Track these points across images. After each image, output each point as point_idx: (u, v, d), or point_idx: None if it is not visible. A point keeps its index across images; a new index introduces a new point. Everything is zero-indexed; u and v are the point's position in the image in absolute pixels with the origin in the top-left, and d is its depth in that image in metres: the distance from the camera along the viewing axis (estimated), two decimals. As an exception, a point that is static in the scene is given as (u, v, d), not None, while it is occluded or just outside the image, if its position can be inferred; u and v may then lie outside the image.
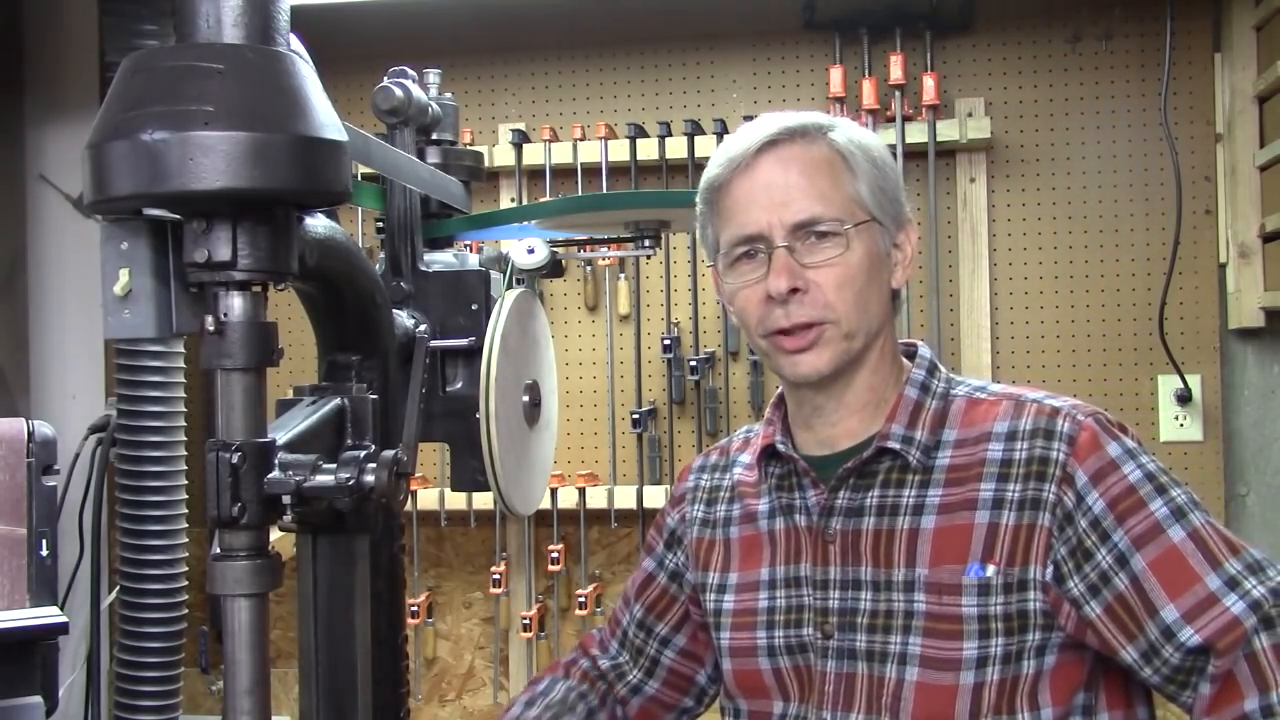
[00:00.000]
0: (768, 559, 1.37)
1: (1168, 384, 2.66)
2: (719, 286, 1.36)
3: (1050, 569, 1.22)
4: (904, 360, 1.38)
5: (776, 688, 1.33)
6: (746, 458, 1.44)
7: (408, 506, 2.78)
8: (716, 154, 1.34)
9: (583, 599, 2.81)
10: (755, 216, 1.28)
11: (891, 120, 2.72)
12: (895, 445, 1.29)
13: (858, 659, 1.27)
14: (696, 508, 1.48)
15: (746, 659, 1.36)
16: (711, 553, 1.43)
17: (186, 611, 2.40)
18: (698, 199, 1.37)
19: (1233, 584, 1.18)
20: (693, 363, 2.80)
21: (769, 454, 1.39)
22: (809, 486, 1.33)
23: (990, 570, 1.22)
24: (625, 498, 2.81)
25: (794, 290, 1.26)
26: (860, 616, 1.27)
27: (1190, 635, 1.17)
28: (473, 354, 1.59)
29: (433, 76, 1.73)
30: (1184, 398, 2.64)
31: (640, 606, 1.51)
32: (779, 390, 1.41)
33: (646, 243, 1.72)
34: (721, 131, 2.75)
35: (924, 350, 1.38)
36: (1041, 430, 1.25)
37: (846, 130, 1.33)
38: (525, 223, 1.73)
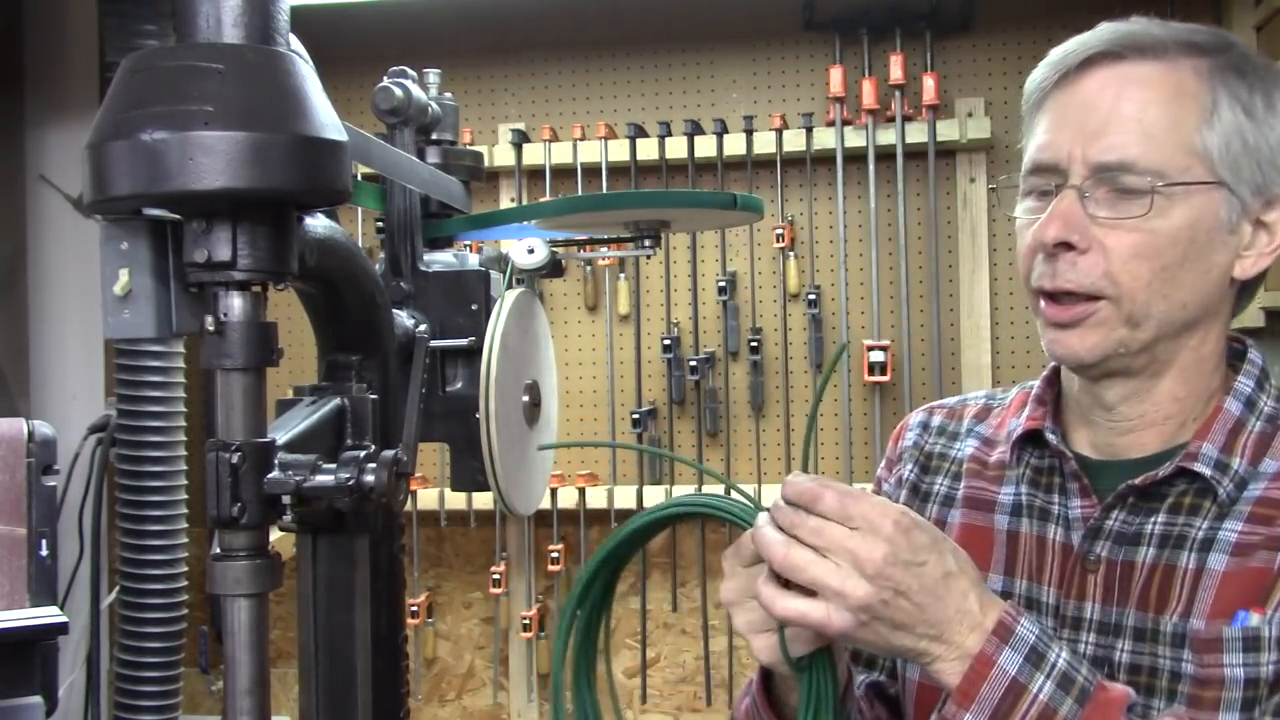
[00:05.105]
0: (1001, 564, 1.09)
1: (1168, 384, 2.66)
2: None
3: None
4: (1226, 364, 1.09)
5: None
6: (986, 430, 1.18)
7: (408, 506, 2.78)
8: (1053, 51, 1.07)
9: (583, 599, 2.81)
10: (1057, 140, 1.02)
11: (891, 120, 2.72)
12: (1206, 471, 1.00)
13: None
14: (910, 468, 1.21)
15: None
16: None
17: (186, 611, 2.40)
18: (1023, 101, 1.09)
19: None
20: (693, 363, 2.80)
21: (1031, 440, 1.12)
22: (1076, 494, 1.07)
23: (1255, 620, 0.94)
24: (625, 497, 2.81)
25: (1067, 245, 0.99)
26: (1115, 671, 1.00)
27: None
28: (473, 354, 1.58)
29: (433, 76, 1.72)
30: (1184, 398, 2.64)
31: None
32: (1052, 363, 1.12)
33: (646, 243, 1.72)
34: (721, 131, 2.76)
35: (1254, 353, 1.08)
36: None
37: (1235, 61, 1.01)
38: (525, 223, 1.73)
